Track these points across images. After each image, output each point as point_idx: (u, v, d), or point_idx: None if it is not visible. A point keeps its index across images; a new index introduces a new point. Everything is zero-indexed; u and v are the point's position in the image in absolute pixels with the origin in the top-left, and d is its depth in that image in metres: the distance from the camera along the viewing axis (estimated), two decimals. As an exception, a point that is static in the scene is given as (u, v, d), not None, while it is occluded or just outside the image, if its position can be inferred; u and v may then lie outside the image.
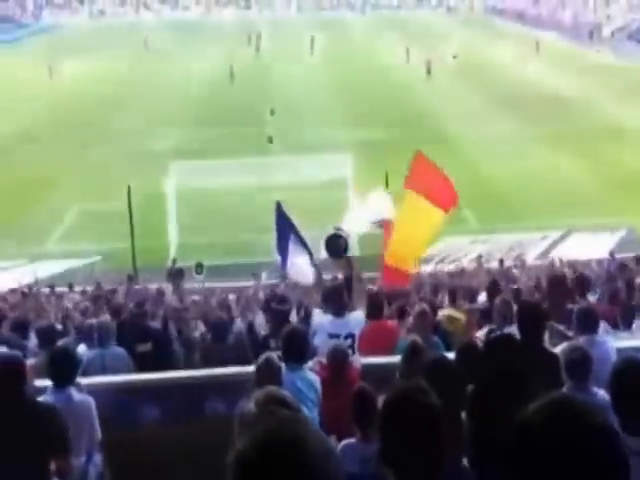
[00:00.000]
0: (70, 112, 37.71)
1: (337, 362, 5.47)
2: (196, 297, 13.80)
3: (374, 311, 7.63)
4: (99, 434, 5.27)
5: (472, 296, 10.39)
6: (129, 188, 19.06)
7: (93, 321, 7.97)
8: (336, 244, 9.21)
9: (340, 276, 10.07)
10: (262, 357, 4.77)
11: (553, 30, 66.15)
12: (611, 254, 15.81)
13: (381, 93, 40.37)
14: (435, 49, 51.59)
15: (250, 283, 16.22)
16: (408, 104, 37.78)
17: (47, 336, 7.46)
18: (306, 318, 9.18)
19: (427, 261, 14.74)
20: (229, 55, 53.04)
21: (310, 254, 10.22)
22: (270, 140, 29.42)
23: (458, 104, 37.17)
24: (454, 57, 49.41)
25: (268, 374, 4.51)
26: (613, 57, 51.63)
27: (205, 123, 34.34)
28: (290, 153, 26.18)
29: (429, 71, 45.34)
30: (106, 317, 8.28)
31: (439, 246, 16.35)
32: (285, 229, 10.36)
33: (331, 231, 9.36)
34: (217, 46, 60.77)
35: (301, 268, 10.50)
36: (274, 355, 4.84)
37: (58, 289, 15.67)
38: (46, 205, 24.03)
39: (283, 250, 10.39)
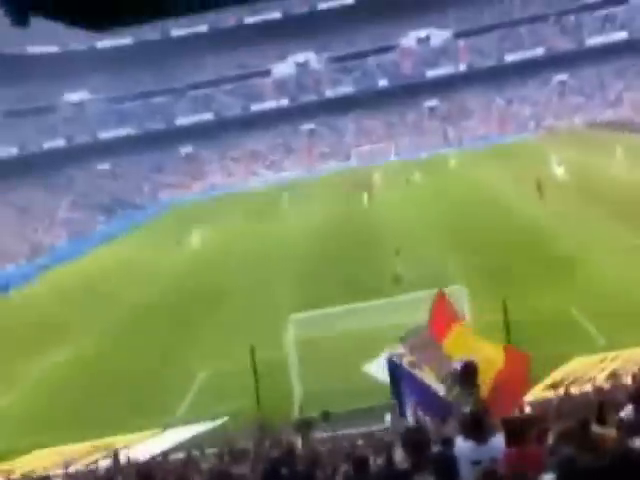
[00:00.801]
0: (196, 279, 39.71)
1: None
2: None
3: (514, 438, 7.47)
4: None
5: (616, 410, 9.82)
6: (252, 348, 19.51)
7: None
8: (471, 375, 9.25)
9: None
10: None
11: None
12: None
13: (491, 219, 40.55)
14: (541, 169, 51.54)
15: (378, 427, 15.97)
16: (520, 226, 37.67)
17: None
18: (446, 447, 8.95)
19: (556, 385, 14.16)
20: (337, 206, 54.97)
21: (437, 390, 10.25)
22: (397, 279, 29.71)
23: (574, 221, 36.64)
24: (559, 174, 48.87)
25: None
26: None
27: (321, 274, 35.15)
28: (405, 291, 26.10)
29: (539, 191, 44.82)
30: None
31: (567, 368, 15.72)
32: (401, 381, 10.60)
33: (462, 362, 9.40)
34: (324, 198, 63.07)
35: (429, 404, 10.50)
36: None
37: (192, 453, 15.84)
38: (175, 371, 24.92)
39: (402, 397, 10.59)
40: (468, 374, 9.75)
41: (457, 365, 10.23)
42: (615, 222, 34.58)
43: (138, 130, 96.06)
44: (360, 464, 7.78)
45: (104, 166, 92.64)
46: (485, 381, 9.79)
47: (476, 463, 6.94)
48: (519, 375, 10.16)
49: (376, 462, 9.48)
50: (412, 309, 22.36)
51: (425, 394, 11.31)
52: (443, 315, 10.89)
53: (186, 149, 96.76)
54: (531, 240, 34.25)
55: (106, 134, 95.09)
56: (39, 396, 25.78)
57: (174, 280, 41.07)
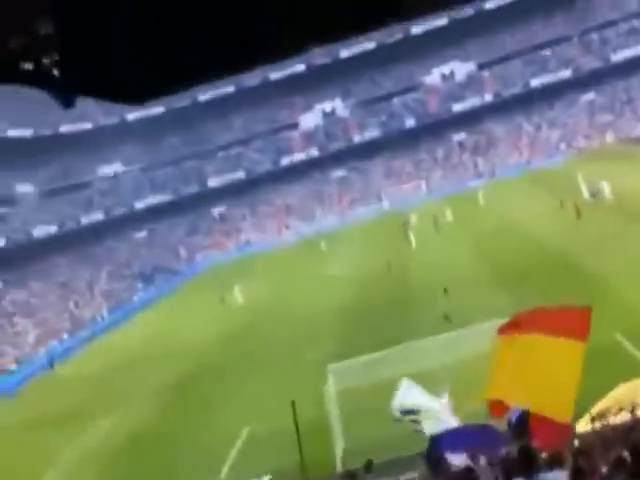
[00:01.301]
0: (238, 336, 39.72)
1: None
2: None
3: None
4: None
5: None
6: (293, 403, 19.06)
7: None
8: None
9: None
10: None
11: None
12: None
13: (527, 247, 39.80)
14: (576, 191, 50.84)
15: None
16: (559, 251, 36.91)
17: None
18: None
19: (602, 415, 13.39)
20: (375, 251, 54.72)
21: None
22: (447, 319, 29.22)
23: (614, 241, 35.75)
24: (593, 196, 47.95)
25: None
26: None
27: (358, 321, 34.64)
28: (450, 330, 25.38)
29: (577, 213, 44.39)
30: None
31: (613, 395, 14.94)
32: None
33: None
34: (361, 244, 62.75)
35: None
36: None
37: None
38: (217, 432, 24.68)
39: None
40: (522, 424, 9.27)
41: (513, 415, 9.81)
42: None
43: (172, 195, 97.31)
44: None
45: (141, 234, 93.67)
46: (533, 404, 9.22)
47: None
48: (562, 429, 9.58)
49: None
50: (455, 347, 21.88)
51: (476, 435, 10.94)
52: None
53: (219, 209, 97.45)
54: (570, 264, 33.45)
55: (141, 203, 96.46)
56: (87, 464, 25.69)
57: (214, 339, 40.95)
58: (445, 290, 31.26)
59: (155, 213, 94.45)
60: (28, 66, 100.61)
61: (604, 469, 8.98)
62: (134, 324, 57.09)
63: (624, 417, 13.68)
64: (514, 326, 10.10)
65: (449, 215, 61.68)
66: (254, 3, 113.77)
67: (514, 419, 10.39)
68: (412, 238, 55.26)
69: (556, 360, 9.42)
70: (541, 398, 9.13)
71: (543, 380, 9.23)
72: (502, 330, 10.08)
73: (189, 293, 65.96)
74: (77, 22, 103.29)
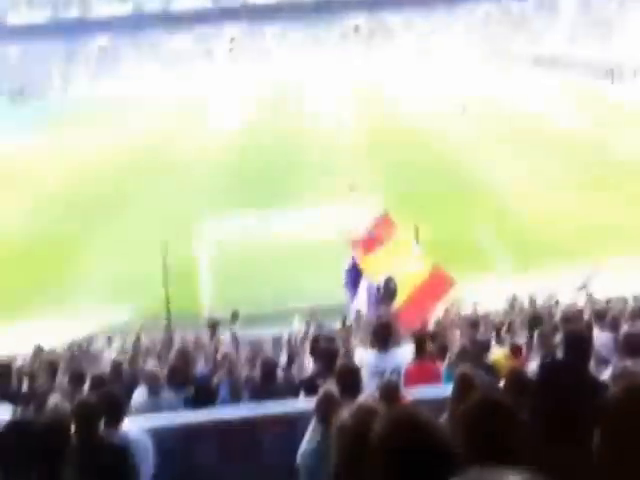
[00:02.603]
0: (99, 179, 38.72)
1: (390, 397, 5.42)
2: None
3: (419, 350, 7.76)
4: (152, 470, 5.40)
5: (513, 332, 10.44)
6: (164, 243, 19.35)
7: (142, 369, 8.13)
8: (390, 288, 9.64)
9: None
10: (321, 391, 4.86)
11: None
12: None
13: (408, 141, 41.00)
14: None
15: (283, 332, 16.36)
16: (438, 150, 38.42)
17: (100, 383, 7.70)
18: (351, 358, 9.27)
19: (457, 304, 14.77)
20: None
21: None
22: (352, 188, 29.16)
23: (486, 149, 37.55)
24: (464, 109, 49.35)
25: (329, 407, 4.59)
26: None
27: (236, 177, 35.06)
28: (320, 203, 26.10)
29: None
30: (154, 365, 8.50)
31: (471, 286, 16.39)
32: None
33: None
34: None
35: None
36: (333, 388, 4.91)
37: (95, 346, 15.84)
38: (79, 266, 24.55)
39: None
40: (387, 290, 10.15)
41: (379, 281, 10.66)
42: (518, 151, 35.90)
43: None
44: (268, 368, 7.85)
45: (14, 51, 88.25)
46: (403, 292, 10.16)
47: (379, 372, 7.07)
48: (437, 293, 10.56)
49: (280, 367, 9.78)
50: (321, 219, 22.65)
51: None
52: (381, 230, 11.23)
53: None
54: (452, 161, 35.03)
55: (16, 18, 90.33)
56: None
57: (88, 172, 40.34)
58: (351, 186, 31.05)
59: (31, 32, 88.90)
60: None
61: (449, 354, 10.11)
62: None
63: (477, 309, 15.18)
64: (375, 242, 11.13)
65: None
66: None
67: (382, 285, 11.27)
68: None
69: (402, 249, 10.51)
70: (409, 278, 10.26)
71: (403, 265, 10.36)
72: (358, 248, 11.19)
73: (63, 121, 63.78)
74: None
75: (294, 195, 29.59)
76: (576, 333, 5.73)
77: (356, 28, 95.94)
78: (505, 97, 54.47)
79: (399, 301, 10.20)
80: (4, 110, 68.28)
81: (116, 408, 5.40)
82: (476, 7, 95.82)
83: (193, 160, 40.94)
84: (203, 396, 7.70)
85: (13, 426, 4.84)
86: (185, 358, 9.31)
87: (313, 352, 10.12)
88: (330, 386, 5.00)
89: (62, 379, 9.28)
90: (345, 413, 3.42)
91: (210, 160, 40.34)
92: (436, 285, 10.39)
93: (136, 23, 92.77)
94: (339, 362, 6.91)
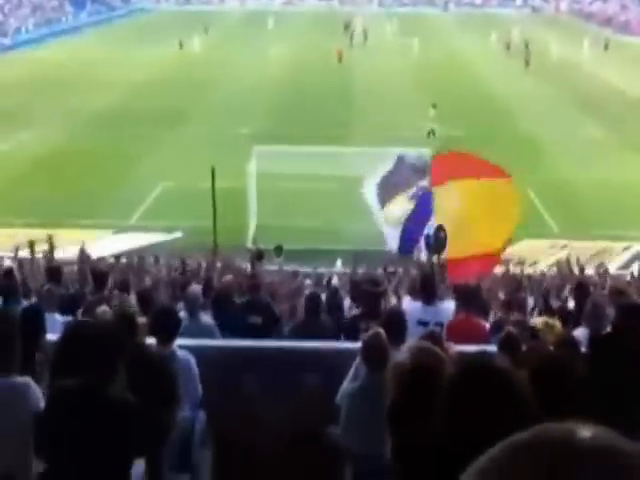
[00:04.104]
0: (159, 93, 38.71)
1: (433, 347, 5.48)
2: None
3: (465, 304, 7.74)
4: (200, 392, 5.50)
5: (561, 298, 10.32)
6: (213, 169, 19.37)
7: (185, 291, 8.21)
8: (440, 238, 9.45)
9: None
10: (371, 332, 4.89)
11: None
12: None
13: (465, 89, 40.34)
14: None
15: (326, 269, 16.45)
16: (496, 98, 37.75)
17: (146, 298, 7.84)
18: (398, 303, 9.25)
19: (505, 262, 14.61)
20: (316, 43, 53.92)
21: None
22: (432, 133, 29.46)
23: (540, 104, 36.76)
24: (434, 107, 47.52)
25: (378, 349, 4.63)
26: None
27: (290, 109, 34.79)
28: (371, 145, 25.92)
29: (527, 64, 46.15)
30: (196, 287, 8.59)
31: (517, 248, 16.26)
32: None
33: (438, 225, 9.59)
34: (301, 35, 61.49)
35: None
36: (381, 331, 4.94)
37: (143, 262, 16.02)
38: (131, 182, 24.77)
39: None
40: (437, 240, 9.97)
41: (430, 229, 10.36)
42: (578, 114, 35.09)
43: None
44: (313, 302, 7.84)
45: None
46: (464, 248, 9.84)
47: (422, 324, 7.05)
48: (489, 265, 10.33)
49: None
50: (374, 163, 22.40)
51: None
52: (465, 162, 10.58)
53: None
54: (502, 113, 34.37)
55: None
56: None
57: (145, 82, 40.95)
58: (434, 105, 30.55)
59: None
60: None
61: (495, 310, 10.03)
62: (60, 46, 54.95)
63: (523, 269, 15.07)
64: (443, 175, 10.36)
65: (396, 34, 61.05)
66: None
67: (431, 234, 10.97)
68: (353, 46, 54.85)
69: (493, 197, 9.93)
70: (481, 238, 9.75)
71: (484, 218, 9.80)
72: (436, 179, 10.30)
73: (123, 30, 63.75)
74: None
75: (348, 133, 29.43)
76: (631, 306, 5.67)
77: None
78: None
79: (455, 253, 9.92)
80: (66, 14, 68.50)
81: (170, 325, 5.50)
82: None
83: (250, 84, 40.83)
84: (269, 322, 7.79)
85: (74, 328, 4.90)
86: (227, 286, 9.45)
87: (356, 294, 10.15)
88: (379, 329, 5.03)
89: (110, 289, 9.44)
90: (403, 354, 3.45)
91: (266, 85, 40.34)
92: (491, 260, 10.10)
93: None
94: (387, 307, 6.95)
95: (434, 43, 57.12)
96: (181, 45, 52.77)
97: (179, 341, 5.70)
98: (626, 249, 19.82)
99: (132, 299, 8.08)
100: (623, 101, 38.08)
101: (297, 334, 7.19)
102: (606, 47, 55.59)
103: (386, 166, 11.76)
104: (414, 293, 9.03)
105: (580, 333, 6.61)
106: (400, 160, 11.63)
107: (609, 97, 38.94)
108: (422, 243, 10.70)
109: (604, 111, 35.12)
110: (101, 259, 15.23)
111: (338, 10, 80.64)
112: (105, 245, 18.46)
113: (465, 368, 2.31)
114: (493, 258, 9.99)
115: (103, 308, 6.82)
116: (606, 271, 14.72)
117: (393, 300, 9.43)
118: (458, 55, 52.54)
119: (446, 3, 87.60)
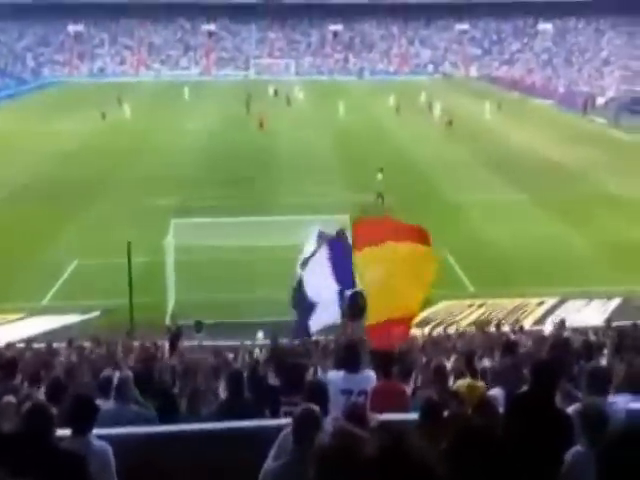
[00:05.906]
0: (71, 167, 38.13)
1: (355, 419, 5.47)
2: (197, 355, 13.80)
3: (384, 371, 7.76)
4: (115, 482, 5.30)
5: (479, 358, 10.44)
6: (129, 245, 19.08)
7: (111, 374, 7.96)
8: (359, 303, 9.40)
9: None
10: (300, 408, 4.83)
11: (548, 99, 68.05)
12: (608, 321, 15.92)
13: (376, 150, 41.16)
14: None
15: (248, 342, 16.26)
16: (401, 162, 38.69)
17: (57, 389, 7.56)
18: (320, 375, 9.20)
19: (423, 324, 14.80)
20: (228, 113, 54.50)
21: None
22: (380, 197, 29.59)
23: (454, 166, 37.79)
24: (450, 123, 49.97)
25: (309, 424, 4.57)
26: (607, 126, 52.57)
27: (207, 181, 34.86)
28: (289, 213, 25.92)
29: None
30: (127, 372, 8.33)
31: (434, 309, 16.47)
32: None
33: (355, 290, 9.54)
34: (217, 104, 62.18)
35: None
36: (314, 406, 4.87)
37: (55, 345, 15.45)
38: (45, 259, 24.02)
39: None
40: (355, 306, 9.94)
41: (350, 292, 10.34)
42: (490, 175, 36.17)
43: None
44: (235, 380, 7.62)
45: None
46: (384, 311, 9.75)
47: (346, 392, 7.06)
48: (408, 322, 10.33)
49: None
50: (293, 232, 22.35)
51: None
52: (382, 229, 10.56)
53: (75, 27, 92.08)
54: (415, 181, 35.09)
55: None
56: None
57: (61, 154, 40.47)
58: (381, 170, 30.66)
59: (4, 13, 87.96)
60: None
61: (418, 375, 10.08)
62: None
63: (443, 330, 15.28)
64: (363, 241, 10.41)
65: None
66: None
67: (348, 299, 10.99)
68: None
69: (412, 259, 9.94)
70: (398, 301, 9.73)
71: (402, 282, 9.79)
72: (356, 246, 10.34)
73: (37, 103, 63.45)
74: None
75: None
76: (545, 364, 5.74)
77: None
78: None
79: (373, 319, 9.86)
80: None
81: (86, 415, 5.29)
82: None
83: (168, 155, 40.94)
84: (166, 407, 7.62)
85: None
86: (147, 367, 9.22)
87: (278, 367, 10.06)
88: (311, 405, 4.97)
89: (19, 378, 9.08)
90: (325, 435, 3.44)
91: (184, 155, 40.54)
92: (409, 322, 10.12)
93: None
94: (308, 379, 6.87)
95: (352, 109, 58.38)
96: (103, 116, 52.63)
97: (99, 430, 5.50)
98: (540, 304, 20.34)
99: (42, 389, 7.79)
100: (534, 160, 39.51)
101: (220, 414, 7.04)
102: (512, 110, 58.36)
103: (309, 246, 11.84)
104: (338, 362, 8.98)
105: (498, 392, 6.75)
106: (321, 237, 11.75)
107: (518, 158, 40.33)
108: (338, 309, 10.71)
109: (515, 171, 36.36)
110: (10, 345, 14.70)
111: (256, 79, 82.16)
112: (15, 329, 17.81)
113: (381, 452, 2.34)
114: (410, 320, 10.02)
115: (8, 398, 6.56)
116: (521, 328, 15.07)
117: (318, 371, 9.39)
118: (374, 121, 53.91)
119: (361, 71, 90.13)
